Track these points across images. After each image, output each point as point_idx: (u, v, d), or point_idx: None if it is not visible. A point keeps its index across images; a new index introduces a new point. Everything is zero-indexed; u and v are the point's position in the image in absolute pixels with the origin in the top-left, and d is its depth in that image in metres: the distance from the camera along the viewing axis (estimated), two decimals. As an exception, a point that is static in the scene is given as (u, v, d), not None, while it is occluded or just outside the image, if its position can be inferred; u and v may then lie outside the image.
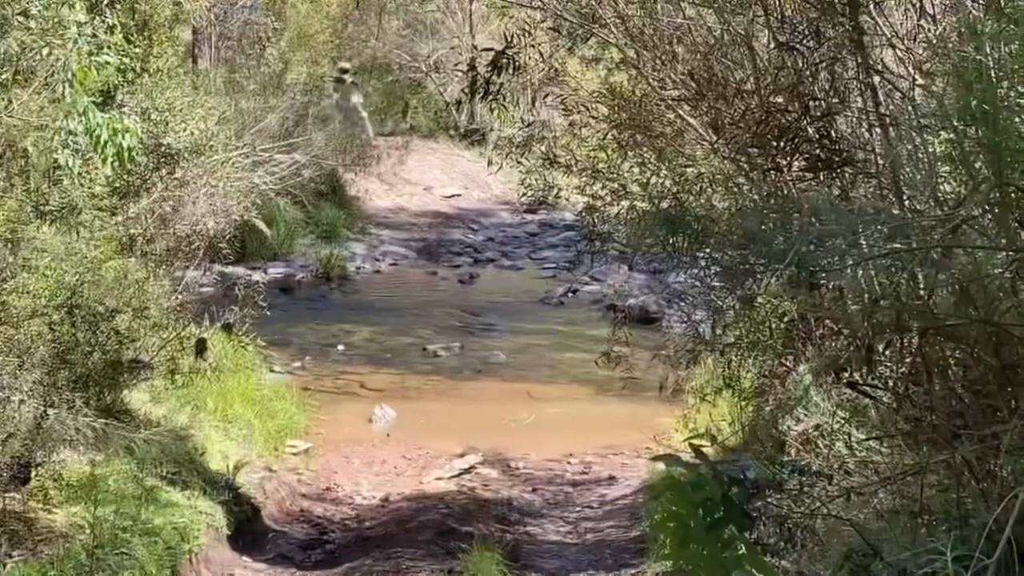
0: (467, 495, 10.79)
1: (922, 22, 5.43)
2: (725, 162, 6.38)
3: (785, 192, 4.78)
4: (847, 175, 5.10)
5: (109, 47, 9.45)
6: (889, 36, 5.44)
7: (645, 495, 10.24)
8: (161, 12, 12.51)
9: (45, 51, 7.72)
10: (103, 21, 9.59)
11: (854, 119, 5.31)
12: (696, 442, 3.59)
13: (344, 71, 24.84)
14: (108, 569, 7.30)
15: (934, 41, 5.23)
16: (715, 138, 6.33)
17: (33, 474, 7.73)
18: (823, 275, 3.80)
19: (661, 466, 9.52)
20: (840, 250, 3.11)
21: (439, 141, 26.15)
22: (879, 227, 3.19)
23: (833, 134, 5.09)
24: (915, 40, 5.43)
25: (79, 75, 8.48)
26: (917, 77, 5.00)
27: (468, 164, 25.12)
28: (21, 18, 7.60)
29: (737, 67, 6.76)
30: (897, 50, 5.42)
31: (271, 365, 13.58)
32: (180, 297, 11.02)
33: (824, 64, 5.34)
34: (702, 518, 3.45)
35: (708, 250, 3.43)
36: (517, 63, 6.94)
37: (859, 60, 5.07)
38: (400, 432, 12.61)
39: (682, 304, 8.85)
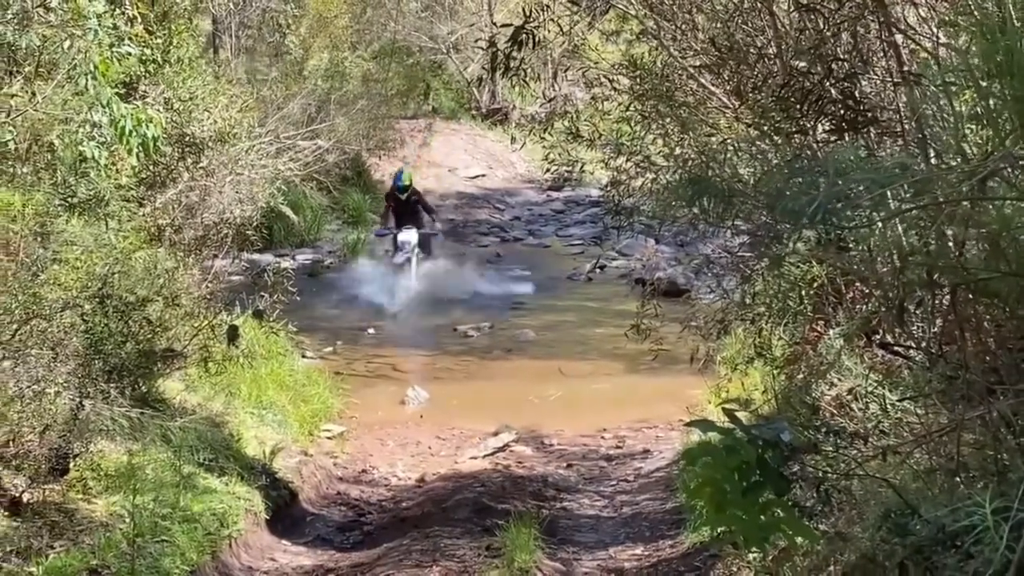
0: (502, 473, 10.81)
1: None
2: (749, 128, 6.35)
3: (809, 153, 4.75)
4: (872, 135, 5.07)
5: (130, 38, 9.49)
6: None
7: (680, 466, 10.24)
8: (180, 2, 12.55)
9: (67, 44, 7.75)
10: (123, 12, 9.63)
11: (878, 79, 5.28)
12: (729, 407, 3.58)
13: (402, 188, 17.33)
14: (149, 557, 7.34)
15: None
16: (738, 105, 6.30)
17: (71, 465, 7.78)
18: (851, 234, 3.78)
19: (696, 435, 9.53)
20: (867, 206, 3.10)
21: (461, 122, 26.14)
22: (906, 183, 3.17)
23: (857, 95, 5.06)
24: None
25: (101, 67, 8.52)
26: (940, 35, 4.96)
27: (491, 144, 25.11)
28: (42, 11, 7.63)
29: (758, 32, 6.74)
30: (919, 8, 5.38)
31: (303, 350, 13.63)
32: (210, 285, 11.07)
33: (846, 24, 5.31)
34: (738, 482, 3.44)
35: (734, 212, 3.41)
36: (537, 38, 6.91)
37: (881, 19, 5.03)
38: (433, 413, 12.65)
39: (710, 273, 8.83)
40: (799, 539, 3.68)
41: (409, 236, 16.90)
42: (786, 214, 2.96)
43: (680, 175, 3.70)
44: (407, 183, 17.26)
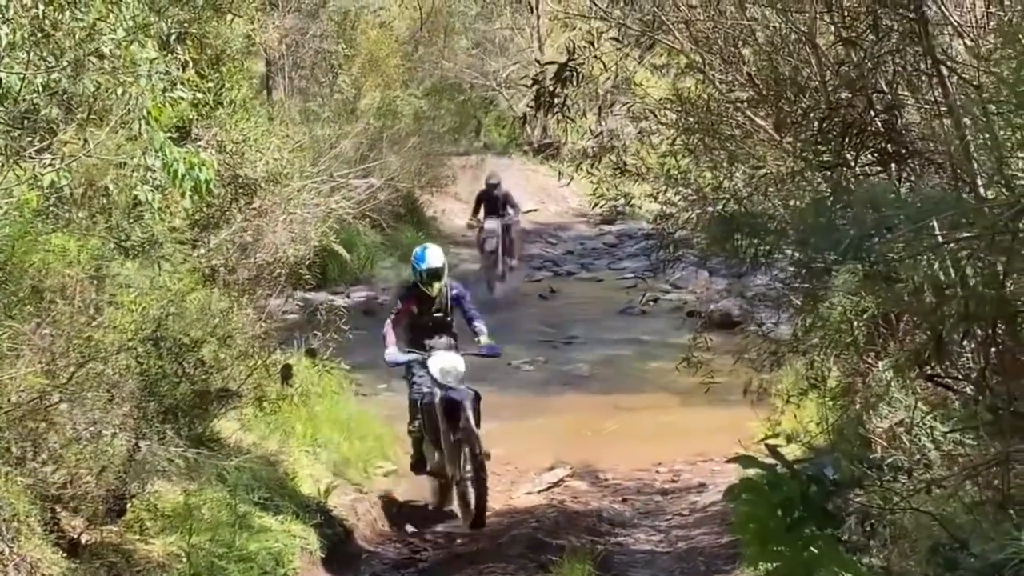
0: (557, 508, 10.79)
1: (991, 8, 5.38)
2: (795, 161, 6.35)
3: (851, 186, 4.74)
4: (915, 166, 5.06)
5: (183, 83, 9.62)
6: (957, 25, 5.39)
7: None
8: (232, 46, 12.70)
9: (119, 90, 7.88)
10: (175, 58, 9.77)
11: (921, 110, 5.26)
12: (771, 442, 3.57)
13: (430, 272, 10.21)
14: (206, 596, 7.41)
15: (1005, 28, 5.17)
16: (779, 139, 6.31)
17: (128, 506, 7.86)
18: (894, 267, 3.77)
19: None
20: (905, 239, 3.09)
21: (513, 157, 26.22)
22: (942, 215, 3.17)
23: (899, 126, 5.05)
24: (984, 28, 5.38)
25: (154, 112, 8.64)
26: (982, 65, 4.94)
27: (543, 179, 25.16)
28: (94, 59, 7.76)
29: (804, 64, 6.74)
30: (965, 40, 5.37)
31: (358, 388, 13.67)
32: (264, 325, 11.14)
33: (889, 56, 5.30)
34: (781, 519, 3.43)
35: (767, 249, 3.41)
36: (581, 75, 6.96)
37: (924, 51, 5.02)
38: (488, 448, 12.61)
39: (761, 306, 8.82)
40: (844, 575, 3.65)
41: (450, 362, 9.92)
42: (819, 249, 2.97)
43: (714, 213, 3.72)
44: (438, 265, 10.09)
